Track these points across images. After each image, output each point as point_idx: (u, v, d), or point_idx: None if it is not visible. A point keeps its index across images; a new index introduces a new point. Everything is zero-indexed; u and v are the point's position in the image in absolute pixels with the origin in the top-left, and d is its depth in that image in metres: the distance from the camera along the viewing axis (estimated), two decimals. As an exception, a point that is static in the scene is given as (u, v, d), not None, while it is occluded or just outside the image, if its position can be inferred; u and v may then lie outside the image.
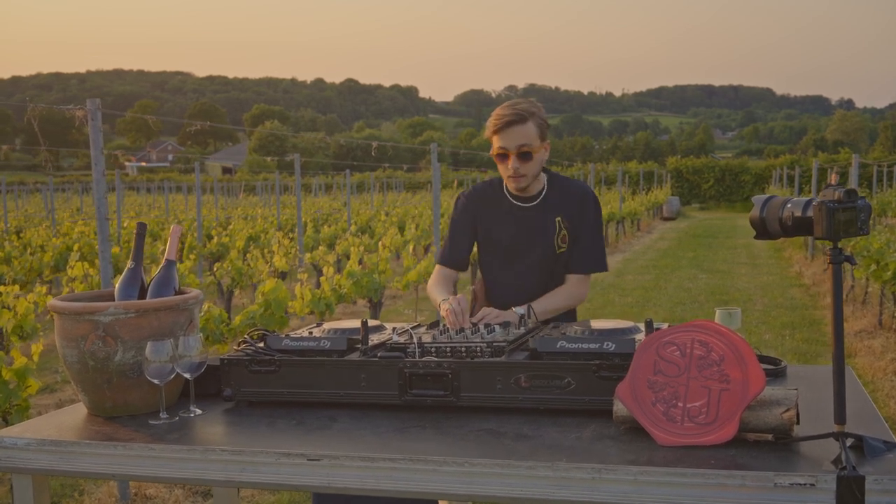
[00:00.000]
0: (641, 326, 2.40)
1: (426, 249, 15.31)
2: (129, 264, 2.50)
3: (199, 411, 2.30)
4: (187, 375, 2.26)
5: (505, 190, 3.10)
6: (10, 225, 18.75)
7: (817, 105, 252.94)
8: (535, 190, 3.06)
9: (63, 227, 14.80)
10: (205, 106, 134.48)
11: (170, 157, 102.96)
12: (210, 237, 15.07)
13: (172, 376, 2.24)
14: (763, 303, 11.03)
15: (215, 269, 9.35)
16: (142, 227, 2.53)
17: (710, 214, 35.20)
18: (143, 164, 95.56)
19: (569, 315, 3.09)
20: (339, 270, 11.26)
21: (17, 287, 6.42)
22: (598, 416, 2.07)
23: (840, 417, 1.77)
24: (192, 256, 9.68)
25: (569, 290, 3.03)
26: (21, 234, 15.58)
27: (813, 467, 1.71)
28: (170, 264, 2.49)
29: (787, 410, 1.83)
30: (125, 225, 15.23)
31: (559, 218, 3.02)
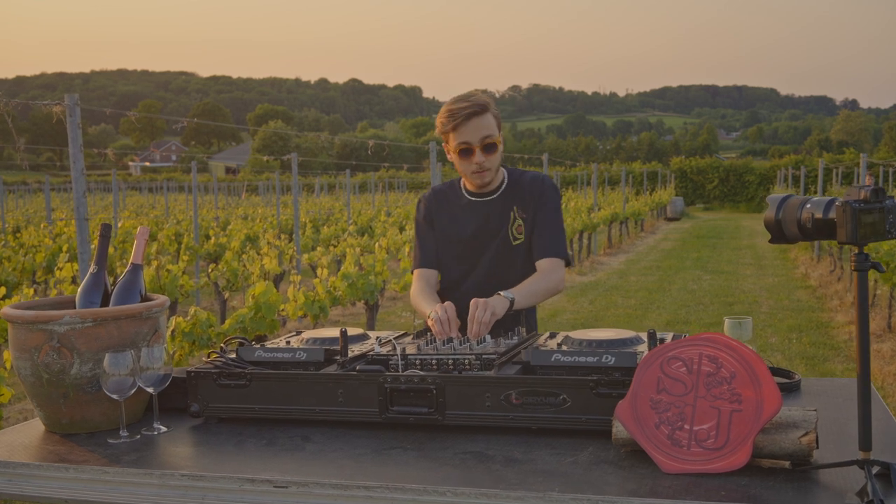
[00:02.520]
0: (643, 336, 2.21)
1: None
2: (92, 268, 2.32)
3: (163, 428, 2.12)
4: (150, 390, 2.08)
5: (463, 188, 2.94)
6: (9, 225, 18.61)
7: (821, 105, 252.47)
8: (495, 184, 2.90)
9: (56, 227, 14.63)
10: (209, 106, 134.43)
11: (173, 157, 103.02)
12: (208, 237, 14.91)
13: (133, 391, 2.06)
14: (769, 305, 10.83)
15: (210, 270, 9.17)
16: (106, 229, 2.35)
17: (714, 215, 34.97)
18: (147, 163, 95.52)
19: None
20: (337, 271, 11.08)
21: (3, 289, 6.24)
22: (597, 437, 1.88)
23: (865, 443, 1.58)
24: (185, 257, 9.51)
25: (545, 275, 2.80)
26: (18, 235, 15.43)
27: (835, 499, 1.52)
28: (135, 268, 2.31)
29: (806, 434, 1.65)
30: (120, 224, 15.06)
31: (515, 207, 2.87)
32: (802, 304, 10.77)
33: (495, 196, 2.88)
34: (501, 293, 2.56)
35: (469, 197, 2.91)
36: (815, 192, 18.94)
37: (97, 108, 5.32)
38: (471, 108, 2.69)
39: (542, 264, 2.82)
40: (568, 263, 2.89)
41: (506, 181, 2.91)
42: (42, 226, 16.24)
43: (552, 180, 2.94)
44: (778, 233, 1.66)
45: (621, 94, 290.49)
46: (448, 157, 2.86)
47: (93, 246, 6.01)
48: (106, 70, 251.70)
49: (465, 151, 2.75)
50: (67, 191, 45.59)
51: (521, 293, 2.62)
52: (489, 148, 2.74)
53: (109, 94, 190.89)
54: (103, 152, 7.60)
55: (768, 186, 37.66)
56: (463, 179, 2.94)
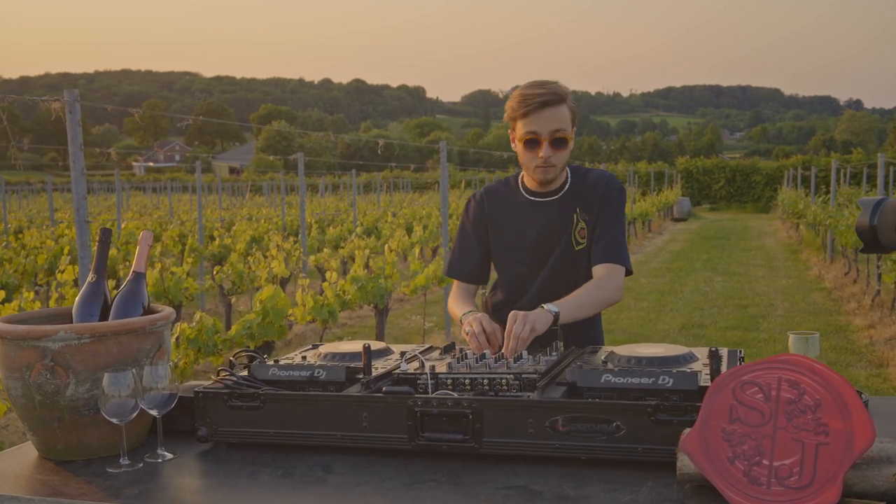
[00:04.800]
0: (697, 353, 2.01)
1: (434, 252, 14.92)
2: (91, 277, 2.12)
3: (168, 455, 1.92)
4: (154, 412, 1.88)
5: (521, 185, 2.68)
6: (11, 226, 18.43)
7: (825, 105, 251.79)
8: (558, 183, 2.64)
9: (58, 228, 14.44)
10: (212, 106, 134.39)
11: (177, 157, 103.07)
12: (212, 238, 14.72)
13: (135, 414, 1.86)
14: (784, 308, 10.62)
15: (215, 272, 8.97)
16: (105, 234, 2.15)
17: (721, 215, 34.74)
18: (151, 164, 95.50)
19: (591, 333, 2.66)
20: (344, 273, 10.88)
21: (2, 293, 6.05)
22: (656, 470, 1.67)
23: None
24: (189, 259, 9.31)
25: (598, 284, 2.53)
26: (20, 236, 15.25)
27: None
28: (138, 277, 2.11)
29: (903, 471, 1.44)
30: (123, 226, 14.87)
31: (578, 209, 2.61)
32: (819, 307, 10.56)
33: (558, 196, 2.62)
34: (545, 306, 2.30)
35: (528, 196, 2.65)
36: (828, 194, 18.70)
37: (98, 106, 5.14)
38: (546, 95, 2.45)
39: (598, 271, 2.55)
40: (628, 272, 2.61)
41: (569, 181, 2.65)
42: (45, 226, 16.07)
43: (619, 180, 2.68)
44: (872, 240, 1.46)
45: (625, 94, 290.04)
46: (512, 145, 2.61)
47: (93, 250, 5.83)
48: (110, 70, 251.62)
49: (532, 143, 2.50)
50: (71, 191, 45.36)
51: (567, 306, 2.35)
52: (559, 143, 2.50)
53: (113, 94, 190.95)
54: (106, 152, 7.42)
55: (775, 187, 37.42)
56: (523, 175, 2.68)
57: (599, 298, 2.51)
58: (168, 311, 2.06)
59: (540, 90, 2.46)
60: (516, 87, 2.62)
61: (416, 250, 9.37)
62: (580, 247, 2.61)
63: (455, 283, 2.75)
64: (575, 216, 2.61)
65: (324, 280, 6.62)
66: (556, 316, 2.28)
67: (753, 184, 39.49)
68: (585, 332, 2.60)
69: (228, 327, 7.42)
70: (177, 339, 4.63)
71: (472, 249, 2.72)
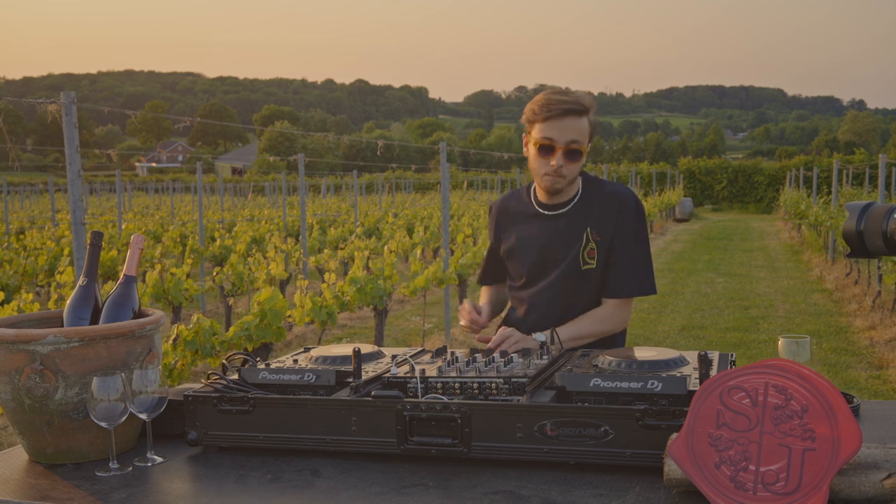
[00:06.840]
0: (687, 357, 2.00)
1: (435, 252, 14.91)
2: (82, 280, 2.12)
3: (158, 459, 1.92)
4: (143, 416, 1.88)
5: (532, 197, 2.63)
6: (13, 226, 18.45)
7: (829, 106, 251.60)
8: (568, 195, 2.57)
9: (59, 229, 14.46)
10: (215, 107, 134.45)
11: (180, 157, 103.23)
12: (213, 239, 14.73)
13: (124, 418, 1.86)
14: (785, 309, 10.61)
15: (215, 273, 8.97)
16: (96, 237, 2.15)
17: (723, 216, 34.71)
18: (154, 164, 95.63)
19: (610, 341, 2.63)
20: (344, 274, 10.88)
21: (2, 294, 6.04)
22: (643, 474, 1.67)
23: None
24: (189, 260, 9.32)
25: (600, 315, 2.53)
26: (21, 236, 15.26)
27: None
28: (128, 280, 2.10)
29: (890, 476, 1.44)
30: (124, 227, 14.88)
31: (589, 228, 2.52)
32: (820, 308, 10.54)
33: (566, 210, 2.56)
34: (535, 335, 2.34)
35: (538, 209, 2.61)
36: (829, 194, 18.67)
37: (96, 107, 5.14)
38: (571, 104, 2.41)
39: (607, 305, 2.53)
40: (648, 293, 2.57)
41: (579, 193, 2.57)
42: (46, 227, 16.09)
43: (635, 196, 2.57)
44: (859, 246, 1.45)
45: (627, 94, 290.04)
46: (524, 149, 2.56)
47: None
48: (113, 71, 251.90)
49: (546, 149, 2.45)
50: (73, 192, 45.26)
51: (562, 334, 2.40)
52: (573, 154, 2.44)
53: (116, 94, 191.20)
54: (106, 153, 7.43)
55: (778, 187, 37.39)
56: (534, 185, 2.64)
57: (598, 332, 2.52)
58: (158, 314, 2.05)
59: (566, 97, 2.43)
60: (521, 86, 2.63)
61: (418, 251, 9.36)
62: (587, 266, 2.53)
63: (482, 290, 2.90)
64: (585, 235, 2.53)
65: (323, 281, 6.62)
66: (542, 345, 2.31)
67: (756, 184, 39.48)
68: (612, 341, 2.62)
69: (228, 329, 7.42)
70: (174, 340, 4.63)
71: (494, 256, 2.80)
